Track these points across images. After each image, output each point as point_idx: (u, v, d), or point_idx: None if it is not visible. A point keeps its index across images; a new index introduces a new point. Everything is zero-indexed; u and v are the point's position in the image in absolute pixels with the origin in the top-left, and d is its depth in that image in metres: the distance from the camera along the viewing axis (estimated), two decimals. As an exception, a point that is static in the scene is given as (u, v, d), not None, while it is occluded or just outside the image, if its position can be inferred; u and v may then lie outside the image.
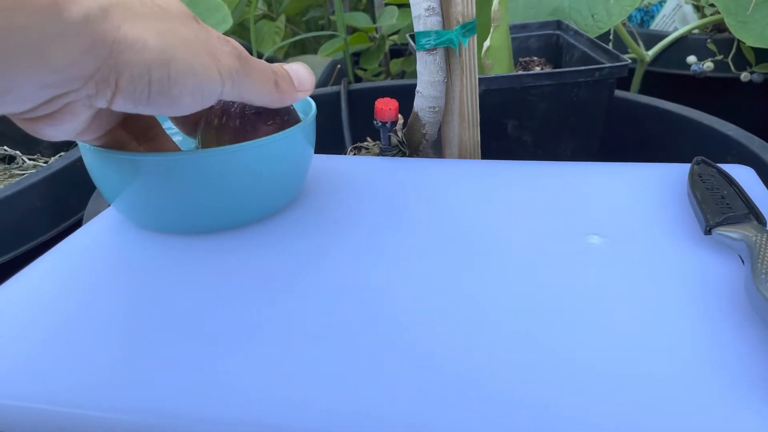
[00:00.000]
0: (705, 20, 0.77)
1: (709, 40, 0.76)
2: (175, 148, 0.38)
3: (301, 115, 0.40)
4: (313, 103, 0.40)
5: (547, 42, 0.68)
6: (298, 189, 0.40)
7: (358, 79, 0.91)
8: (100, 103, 0.26)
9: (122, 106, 0.27)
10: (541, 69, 0.65)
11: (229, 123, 0.36)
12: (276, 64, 0.34)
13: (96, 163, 0.35)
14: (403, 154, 0.49)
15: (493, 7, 0.55)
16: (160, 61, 0.26)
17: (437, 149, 0.50)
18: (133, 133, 0.36)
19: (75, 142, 0.77)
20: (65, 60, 0.23)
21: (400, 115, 0.49)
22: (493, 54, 0.56)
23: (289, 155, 0.37)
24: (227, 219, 0.36)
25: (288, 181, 0.38)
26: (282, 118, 0.37)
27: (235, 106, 0.36)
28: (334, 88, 0.73)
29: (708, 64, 0.76)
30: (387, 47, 0.90)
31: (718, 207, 0.33)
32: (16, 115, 0.26)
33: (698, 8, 0.82)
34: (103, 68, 0.25)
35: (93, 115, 0.29)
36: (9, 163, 0.72)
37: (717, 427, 0.22)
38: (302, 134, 0.37)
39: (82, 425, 0.24)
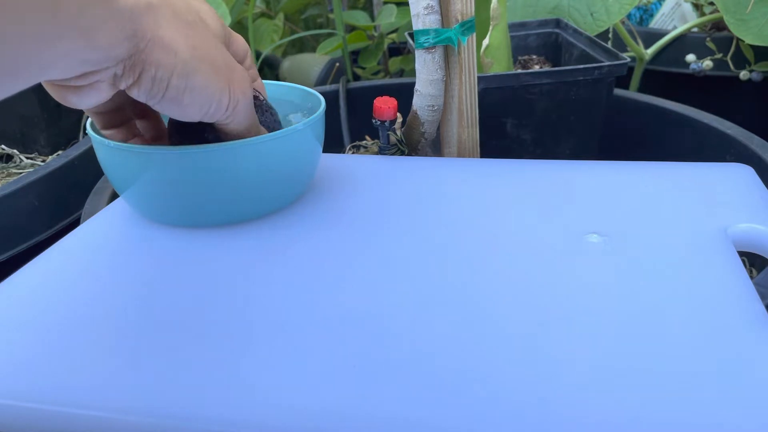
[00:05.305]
0: (704, 18, 0.77)
1: (708, 39, 0.76)
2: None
3: (310, 109, 0.42)
4: (322, 98, 0.40)
5: (546, 40, 0.68)
6: (308, 182, 0.40)
7: (356, 78, 0.91)
8: (121, 85, 0.29)
9: (135, 94, 0.29)
10: (540, 67, 0.65)
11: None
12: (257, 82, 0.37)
13: (108, 155, 0.36)
14: (402, 153, 0.49)
15: (492, 6, 0.55)
16: (183, 71, 0.29)
17: (436, 148, 0.50)
18: (137, 108, 0.37)
19: (72, 140, 0.77)
20: (107, 42, 0.26)
21: (399, 114, 0.49)
22: (492, 52, 0.56)
23: (301, 149, 0.38)
24: (234, 213, 0.37)
25: (298, 174, 0.39)
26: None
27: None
28: (333, 86, 0.73)
29: (707, 63, 0.76)
30: (386, 45, 0.90)
31: None
32: (50, 81, 0.28)
33: (697, 6, 0.82)
34: (135, 56, 0.27)
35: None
36: (6, 162, 0.72)
37: (716, 426, 0.22)
38: (312, 129, 0.38)
39: (85, 425, 0.24)
